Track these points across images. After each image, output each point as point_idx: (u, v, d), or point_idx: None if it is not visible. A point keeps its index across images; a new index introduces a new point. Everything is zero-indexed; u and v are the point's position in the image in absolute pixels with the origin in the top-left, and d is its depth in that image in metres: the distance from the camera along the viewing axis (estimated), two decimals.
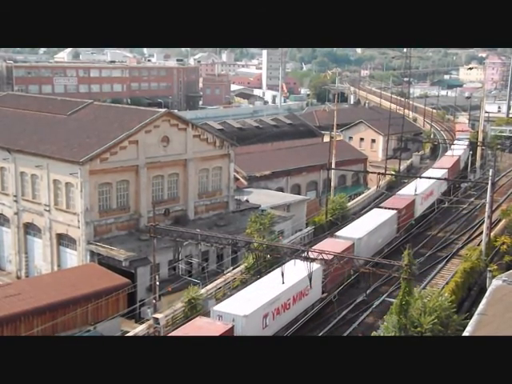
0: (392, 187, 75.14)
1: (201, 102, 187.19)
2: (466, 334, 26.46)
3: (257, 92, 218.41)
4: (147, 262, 43.03)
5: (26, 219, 51.16)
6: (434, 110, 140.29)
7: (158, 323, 35.66)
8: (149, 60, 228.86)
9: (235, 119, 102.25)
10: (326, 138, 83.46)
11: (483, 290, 38.12)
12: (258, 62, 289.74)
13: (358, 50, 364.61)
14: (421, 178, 62.68)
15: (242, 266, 45.09)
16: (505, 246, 51.12)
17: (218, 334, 29.44)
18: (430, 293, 35.55)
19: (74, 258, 47.47)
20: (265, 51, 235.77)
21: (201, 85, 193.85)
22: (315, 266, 36.33)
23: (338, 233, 46.86)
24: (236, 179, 62.39)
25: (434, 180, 64.02)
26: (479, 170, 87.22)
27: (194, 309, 37.77)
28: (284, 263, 36.78)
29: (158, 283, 39.67)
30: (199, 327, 30.41)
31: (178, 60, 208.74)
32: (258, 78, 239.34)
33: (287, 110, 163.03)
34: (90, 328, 37.83)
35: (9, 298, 36.49)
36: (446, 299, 34.38)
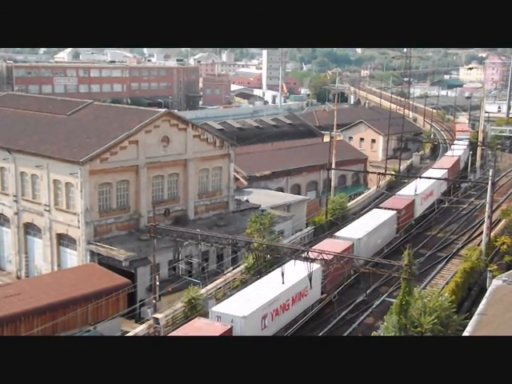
0: (392, 187, 75.14)
1: (201, 102, 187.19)
2: (466, 334, 26.47)
3: (257, 92, 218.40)
4: (147, 261, 43.03)
5: (26, 219, 51.16)
6: (434, 110, 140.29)
7: (158, 323, 35.66)
8: (149, 60, 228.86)
9: (235, 119, 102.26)
10: (326, 138, 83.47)
11: (483, 290, 38.11)
12: (258, 62, 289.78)
13: (358, 50, 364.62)
14: (421, 178, 62.66)
15: (242, 266, 45.08)
16: (505, 246, 51.13)
17: (216, 335, 29.40)
18: (430, 293, 35.55)
19: (74, 258, 47.47)
20: (265, 51, 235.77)
21: (201, 85, 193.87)
22: (315, 266, 36.30)
23: (338, 233, 46.82)
24: (236, 179, 62.39)
25: (434, 180, 63.98)
26: (479, 170, 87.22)
27: (194, 309, 37.76)
28: (283, 264, 36.74)
29: (158, 283, 39.67)
30: (198, 328, 30.29)
31: (178, 60, 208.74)
32: (258, 78, 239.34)
33: (287, 110, 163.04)
34: (90, 328, 37.83)
35: (9, 298, 36.49)
36: (446, 299, 34.39)
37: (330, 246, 40.42)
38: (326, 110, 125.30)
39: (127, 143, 47.83)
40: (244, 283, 41.36)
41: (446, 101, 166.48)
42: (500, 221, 57.88)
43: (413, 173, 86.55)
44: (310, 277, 36.20)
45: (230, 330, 30.78)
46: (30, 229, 51.50)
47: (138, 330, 36.39)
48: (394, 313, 32.60)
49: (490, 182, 49.03)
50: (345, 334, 36.86)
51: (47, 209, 48.71)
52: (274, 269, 39.04)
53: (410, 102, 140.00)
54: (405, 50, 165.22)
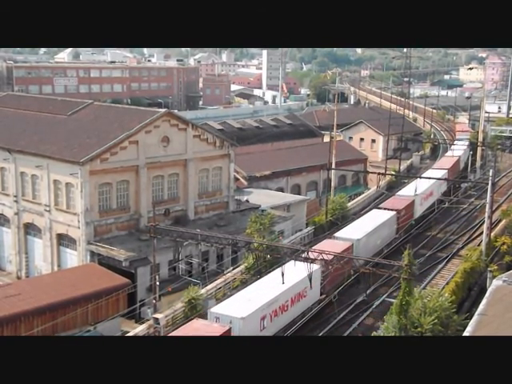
0: (392, 187, 75.14)
1: (201, 102, 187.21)
2: (466, 334, 26.47)
3: (257, 92, 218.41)
4: (147, 262, 43.03)
5: (27, 219, 51.17)
6: (434, 110, 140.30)
7: (158, 323, 35.66)
8: (149, 60, 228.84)
9: (235, 119, 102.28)
10: (326, 138, 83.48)
11: (483, 291, 38.12)
12: (258, 62, 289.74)
13: (358, 50, 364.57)
14: (421, 178, 62.64)
15: (242, 266, 45.08)
16: (505, 247, 51.13)
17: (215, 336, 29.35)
18: (430, 293, 35.55)
19: (74, 258, 47.47)
20: (265, 51, 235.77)
21: (201, 85, 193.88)
22: (314, 267, 36.25)
23: (337, 234, 46.73)
24: (236, 179, 62.39)
25: (434, 180, 63.93)
26: (479, 170, 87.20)
27: (194, 309, 37.75)
28: (283, 264, 36.69)
29: (158, 283, 39.67)
30: (196, 329, 30.11)
31: (178, 60, 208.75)
32: (258, 78, 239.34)
33: (287, 110, 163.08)
34: (90, 328, 37.84)
35: (9, 298, 36.50)
36: (446, 299, 34.39)
37: (330, 246, 40.24)
38: (326, 110, 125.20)
39: (127, 143, 47.84)
40: (244, 283, 41.34)
41: (446, 101, 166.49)
42: (500, 221, 57.88)
43: (413, 173, 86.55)
44: (310, 277, 36.18)
45: (229, 331, 30.61)
46: (30, 229, 51.51)
47: (137, 330, 36.40)
48: (394, 313, 32.58)
49: (490, 183, 49.04)
50: (345, 335, 36.85)
51: (47, 209, 48.72)
52: (273, 269, 39.01)
53: (410, 102, 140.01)
54: (405, 50, 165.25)
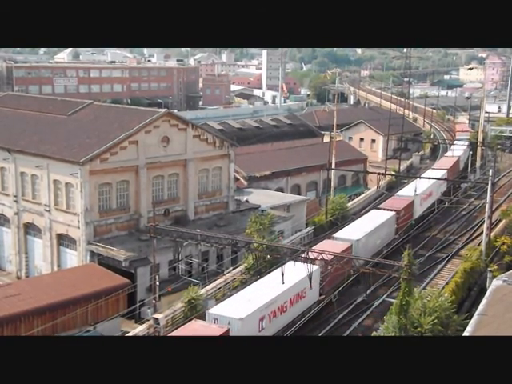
0: (392, 187, 75.17)
1: (201, 103, 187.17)
2: (466, 334, 26.47)
3: (257, 92, 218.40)
4: (147, 262, 43.02)
5: (26, 219, 51.16)
6: (434, 111, 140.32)
7: (158, 323, 35.67)
8: (149, 60, 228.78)
9: (235, 119, 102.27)
10: (326, 138, 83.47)
11: (483, 291, 38.13)
12: (258, 63, 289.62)
13: (358, 50, 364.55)
14: (420, 178, 62.63)
15: (242, 267, 45.08)
16: (505, 247, 51.16)
17: None
18: (430, 293, 35.58)
19: (74, 258, 47.47)
20: (265, 51, 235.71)
21: (201, 85, 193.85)
22: (313, 267, 36.20)
23: (336, 234, 46.64)
24: (236, 179, 62.38)
25: (434, 181, 63.91)
26: (479, 170, 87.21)
27: (194, 309, 37.74)
28: (282, 264, 36.64)
29: (157, 283, 39.67)
30: (194, 330, 29.86)
31: (178, 60, 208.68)
32: (258, 79, 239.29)
33: (287, 111, 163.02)
34: (90, 328, 37.83)
35: (9, 298, 36.49)
36: (446, 299, 34.40)
37: (329, 247, 40.05)
38: (326, 110, 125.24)
39: (127, 143, 47.84)
40: (244, 283, 41.34)
41: (445, 101, 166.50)
42: (500, 221, 57.91)
43: (413, 173, 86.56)
44: (310, 277, 36.16)
45: (227, 332, 30.39)
46: (30, 229, 51.51)
47: (137, 330, 36.40)
48: (394, 313, 32.59)
49: (489, 183, 49.07)
50: (344, 335, 36.84)
51: (47, 209, 48.72)
52: (272, 270, 38.97)
53: (410, 103, 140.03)
54: (405, 50, 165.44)
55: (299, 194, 72.23)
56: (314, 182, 78.33)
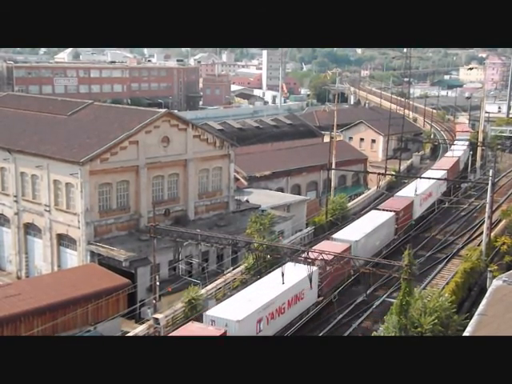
0: (392, 187, 75.16)
1: (201, 103, 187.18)
2: (466, 334, 26.47)
3: (257, 92, 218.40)
4: (147, 262, 43.03)
5: (27, 219, 51.17)
6: (434, 111, 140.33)
7: (158, 323, 35.65)
8: (149, 60, 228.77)
9: (235, 119, 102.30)
10: (326, 139, 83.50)
11: (483, 291, 38.14)
12: (258, 63, 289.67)
13: (358, 50, 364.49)
14: (420, 178, 62.62)
15: (242, 267, 45.07)
16: (505, 247, 51.16)
17: None
18: (430, 293, 35.57)
19: (74, 258, 47.47)
20: (265, 51, 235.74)
21: (201, 85, 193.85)
22: (312, 268, 36.10)
23: (335, 235, 46.49)
24: (236, 179, 62.39)
25: (433, 181, 63.85)
26: (479, 170, 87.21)
27: (194, 309, 37.72)
28: (281, 265, 36.53)
29: (158, 283, 39.66)
30: (191, 332, 29.55)
31: (178, 60, 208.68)
32: (258, 79, 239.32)
33: (287, 111, 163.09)
34: (90, 328, 37.84)
35: (9, 299, 36.49)
36: (447, 299, 34.40)
37: (328, 248, 39.64)
38: (326, 110, 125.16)
39: (127, 143, 47.84)
40: (244, 283, 41.32)
41: (446, 101, 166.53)
42: (500, 221, 57.91)
43: (413, 173, 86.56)
44: (310, 277, 36.11)
45: (224, 334, 30.03)
46: (30, 229, 51.51)
47: (138, 330, 36.39)
48: (394, 313, 32.58)
49: (490, 183, 49.07)
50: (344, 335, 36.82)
51: (47, 209, 48.72)
52: (271, 270, 38.88)
53: (410, 103, 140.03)
54: (405, 50, 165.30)
55: (299, 194, 72.24)
56: (314, 182, 78.33)
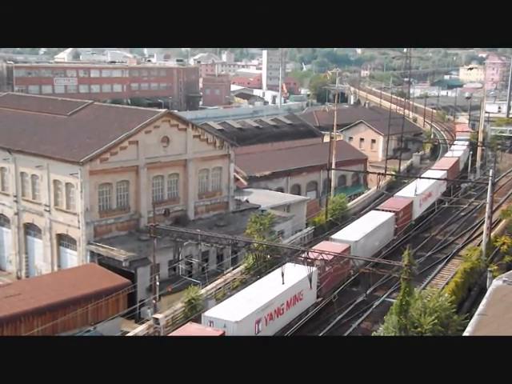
0: (392, 187, 75.16)
1: (201, 103, 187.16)
2: (466, 334, 26.46)
3: (257, 92, 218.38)
4: (147, 262, 43.03)
5: (27, 219, 51.16)
6: (434, 111, 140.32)
7: (158, 323, 35.65)
8: (149, 60, 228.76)
9: (235, 119, 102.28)
10: (326, 139, 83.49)
11: (483, 291, 38.13)
12: (258, 63, 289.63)
13: (358, 50, 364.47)
14: (420, 178, 62.61)
15: (242, 267, 45.08)
16: (505, 247, 51.15)
17: None
18: (430, 293, 35.57)
19: (74, 258, 47.47)
20: (265, 51, 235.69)
21: (201, 85, 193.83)
22: (311, 269, 36.03)
23: (334, 236, 46.40)
24: (236, 179, 62.39)
25: (433, 181, 63.83)
26: (479, 170, 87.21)
27: (194, 309, 37.72)
28: (282, 265, 36.48)
29: (158, 283, 39.65)
30: (189, 333, 29.39)
31: (177, 60, 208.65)
32: (258, 79, 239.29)
33: (287, 111, 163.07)
34: (90, 328, 37.83)
35: (9, 299, 36.49)
36: (446, 299, 34.40)
37: (327, 248, 39.28)
38: (326, 110, 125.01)
39: (127, 143, 47.84)
40: (244, 283, 41.31)
41: (446, 101, 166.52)
42: (500, 221, 57.91)
43: (413, 173, 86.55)
44: (310, 277, 36.08)
45: (223, 335, 29.87)
46: (30, 229, 51.50)
47: (137, 330, 36.39)
48: (394, 313, 32.58)
49: (490, 183, 49.06)
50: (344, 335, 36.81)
51: (47, 209, 48.72)
52: (271, 270, 38.85)
53: (410, 103, 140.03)
54: (405, 50, 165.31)
55: (299, 194, 72.24)
56: (314, 182, 78.34)
